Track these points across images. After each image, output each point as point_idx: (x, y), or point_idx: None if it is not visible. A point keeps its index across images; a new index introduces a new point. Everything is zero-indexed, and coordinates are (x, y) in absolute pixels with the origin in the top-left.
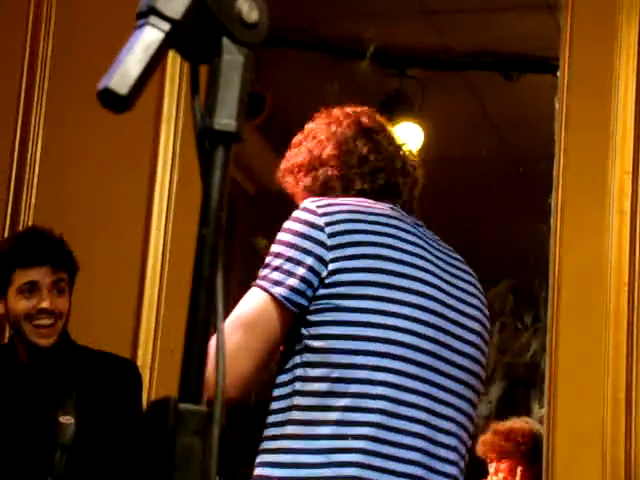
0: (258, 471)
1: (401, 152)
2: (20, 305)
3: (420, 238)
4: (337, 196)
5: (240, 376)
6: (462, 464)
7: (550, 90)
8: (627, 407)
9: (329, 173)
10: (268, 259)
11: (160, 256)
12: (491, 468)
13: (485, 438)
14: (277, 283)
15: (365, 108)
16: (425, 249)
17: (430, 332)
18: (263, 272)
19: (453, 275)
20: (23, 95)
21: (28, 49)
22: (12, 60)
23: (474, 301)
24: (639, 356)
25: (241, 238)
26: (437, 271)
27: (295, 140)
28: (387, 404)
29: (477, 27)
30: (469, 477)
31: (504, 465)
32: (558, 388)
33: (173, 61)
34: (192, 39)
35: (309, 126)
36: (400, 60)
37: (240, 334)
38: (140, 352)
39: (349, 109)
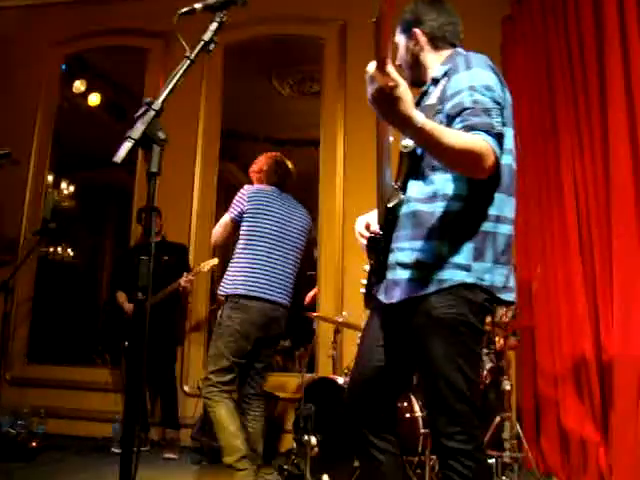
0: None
1: (291, 170)
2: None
3: (283, 200)
4: (261, 183)
5: (219, 237)
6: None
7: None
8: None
9: (264, 176)
10: (232, 203)
11: (196, 209)
12: None
13: None
14: (232, 212)
15: (279, 154)
16: (283, 203)
17: (279, 230)
18: (230, 207)
19: (293, 212)
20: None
21: None
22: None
23: (302, 222)
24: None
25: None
26: (286, 210)
27: (257, 160)
28: (260, 258)
29: (303, 126)
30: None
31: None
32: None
33: None
34: (144, 143)
35: (261, 157)
36: (276, 142)
37: (222, 226)
38: (192, 239)
39: (277, 154)
